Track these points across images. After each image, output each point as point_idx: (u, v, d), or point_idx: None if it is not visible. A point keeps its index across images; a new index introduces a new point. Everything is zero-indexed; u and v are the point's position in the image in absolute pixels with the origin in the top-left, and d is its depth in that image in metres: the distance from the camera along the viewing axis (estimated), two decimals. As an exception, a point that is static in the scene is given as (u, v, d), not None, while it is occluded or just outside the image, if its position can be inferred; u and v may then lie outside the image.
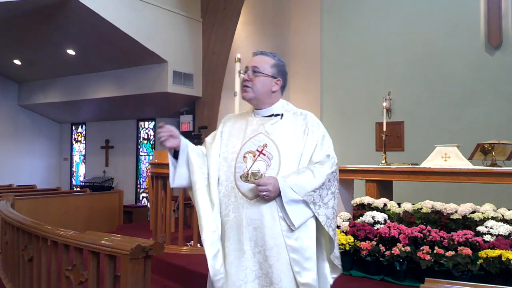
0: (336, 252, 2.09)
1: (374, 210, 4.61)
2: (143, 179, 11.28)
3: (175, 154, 2.12)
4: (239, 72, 2.17)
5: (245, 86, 2.07)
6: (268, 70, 2.08)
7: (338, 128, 8.83)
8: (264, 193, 1.88)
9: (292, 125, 2.06)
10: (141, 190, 11.26)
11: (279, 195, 1.90)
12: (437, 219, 4.44)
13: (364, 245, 3.96)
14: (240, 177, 1.98)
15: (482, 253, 3.50)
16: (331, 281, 2.12)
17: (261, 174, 1.95)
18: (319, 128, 2.06)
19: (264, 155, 1.98)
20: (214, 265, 1.95)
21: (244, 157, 2.00)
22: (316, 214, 1.95)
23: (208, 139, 2.20)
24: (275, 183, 1.89)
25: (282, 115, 2.09)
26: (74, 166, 13.00)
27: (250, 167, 1.97)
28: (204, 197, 2.02)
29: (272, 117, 2.09)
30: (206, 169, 2.08)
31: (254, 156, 1.98)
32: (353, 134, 8.61)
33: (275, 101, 2.12)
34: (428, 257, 3.60)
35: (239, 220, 1.95)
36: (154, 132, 11.02)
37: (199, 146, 2.17)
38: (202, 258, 2.10)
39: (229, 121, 2.19)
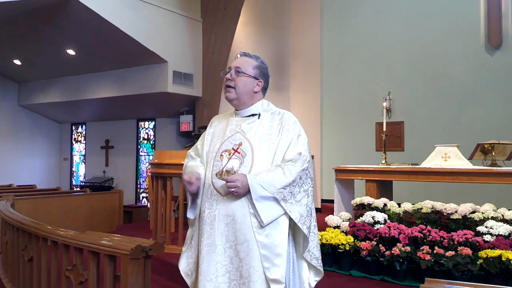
0: (315, 252, 2.11)
1: (374, 210, 4.61)
2: (143, 179, 11.28)
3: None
4: (222, 72, 2.21)
5: (228, 86, 2.14)
6: (251, 71, 2.14)
7: (338, 128, 8.83)
8: (233, 189, 1.94)
9: (268, 124, 2.12)
10: (141, 190, 11.26)
11: (249, 191, 1.95)
12: (437, 219, 4.45)
13: (364, 245, 3.96)
14: (216, 174, 2.05)
15: (482, 253, 3.50)
16: (312, 283, 2.15)
17: (235, 171, 2.01)
18: (295, 127, 2.11)
19: (239, 153, 2.05)
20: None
21: (221, 155, 2.07)
22: (288, 212, 1.99)
23: (198, 145, 2.27)
24: (243, 180, 1.94)
25: (259, 115, 2.15)
26: (74, 166, 13.00)
27: (225, 165, 2.04)
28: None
29: (250, 117, 2.16)
30: None
31: (229, 154, 2.06)
32: (353, 134, 8.61)
33: (256, 102, 2.19)
34: (428, 257, 3.60)
35: (212, 216, 2.02)
36: (154, 132, 11.02)
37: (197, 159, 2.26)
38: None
39: (215, 122, 2.28)
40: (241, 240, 1.97)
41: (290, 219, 2.01)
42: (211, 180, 2.06)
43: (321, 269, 2.14)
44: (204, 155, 2.18)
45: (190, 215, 2.17)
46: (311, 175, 2.09)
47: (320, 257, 2.14)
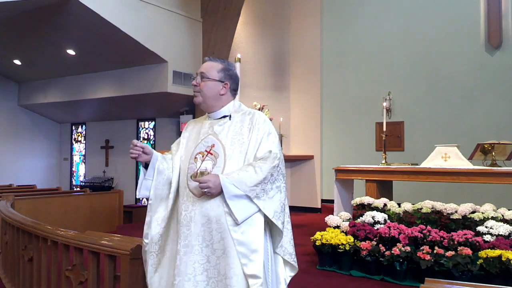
0: (289, 248, 2.16)
1: (374, 210, 4.61)
2: (143, 179, 11.26)
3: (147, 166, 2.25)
4: (191, 78, 2.29)
5: (195, 91, 2.22)
6: (215, 75, 2.19)
7: (338, 128, 8.83)
8: (205, 190, 1.98)
9: (239, 124, 2.17)
10: (141, 190, 11.24)
11: (221, 191, 1.99)
12: (437, 219, 4.45)
13: (364, 245, 3.96)
14: (191, 176, 2.10)
15: (482, 253, 3.50)
16: (287, 279, 2.20)
17: (208, 173, 2.06)
18: (265, 125, 2.15)
19: (212, 154, 2.10)
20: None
21: (195, 158, 2.12)
22: (261, 209, 2.03)
23: (173, 147, 2.32)
24: (215, 180, 1.98)
25: (230, 116, 2.20)
26: (74, 166, 13.00)
27: (199, 167, 2.09)
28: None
29: (221, 119, 2.21)
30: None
31: (203, 156, 2.11)
32: (353, 134, 8.61)
33: (225, 104, 2.23)
34: (428, 257, 3.60)
35: (188, 217, 2.06)
36: (154, 132, 11.02)
37: (167, 155, 2.30)
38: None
39: (190, 126, 2.33)
40: (217, 238, 2.01)
41: (265, 216, 2.05)
42: (186, 183, 2.11)
43: (295, 264, 2.19)
44: (177, 159, 2.22)
45: (144, 192, 2.21)
46: (283, 172, 2.13)
47: (294, 253, 2.18)
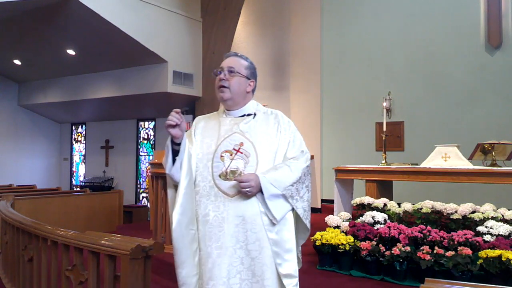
0: (299, 247, 2.20)
1: (374, 210, 4.61)
2: (143, 179, 11.28)
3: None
4: (213, 73, 2.19)
5: (222, 87, 2.12)
6: (243, 71, 2.15)
7: (338, 128, 8.83)
8: (247, 189, 1.95)
9: (264, 124, 2.15)
10: (141, 190, 11.26)
11: (260, 190, 1.98)
12: (437, 219, 4.45)
13: (364, 245, 3.96)
14: (219, 175, 2.03)
15: (482, 253, 3.50)
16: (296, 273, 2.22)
17: (240, 172, 2.01)
18: (290, 126, 2.16)
19: (241, 153, 2.05)
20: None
21: (221, 156, 2.05)
22: (294, 207, 2.05)
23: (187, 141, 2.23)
24: (256, 179, 1.96)
25: (254, 114, 2.17)
26: (74, 166, 13.00)
27: (229, 166, 2.03)
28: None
29: (244, 117, 2.16)
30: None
31: (231, 155, 2.05)
32: (353, 134, 8.61)
33: (247, 102, 2.20)
34: (428, 257, 3.60)
35: (220, 218, 2.00)
36: (154, 132, 11.03)
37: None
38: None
39: (200, 123, 2.24)
40: (252, 239, 1.98)
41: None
42: (213, 182, 2.04)
43: (300, 258, 2.21)
44: (192, 154, 2.12)
45: (168, 167, 2.07)
46: (310, 171, 2.15)
47: (300, 250, 2.22)
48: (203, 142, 2.15)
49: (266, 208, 1.99)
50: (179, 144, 2.07)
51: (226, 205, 2.01)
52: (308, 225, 2.11)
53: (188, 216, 2.03)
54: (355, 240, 4.10)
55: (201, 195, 2.06)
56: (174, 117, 2.03)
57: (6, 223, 4.57)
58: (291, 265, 2.00)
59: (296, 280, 2.00)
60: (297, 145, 2.13)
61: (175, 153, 2.07)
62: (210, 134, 2.15)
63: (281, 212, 2.01)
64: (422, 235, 3.96)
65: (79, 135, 12.91)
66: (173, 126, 2.03)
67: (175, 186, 2.12)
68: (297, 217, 2.10)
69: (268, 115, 2.18)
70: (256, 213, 1.99)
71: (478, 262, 3.51)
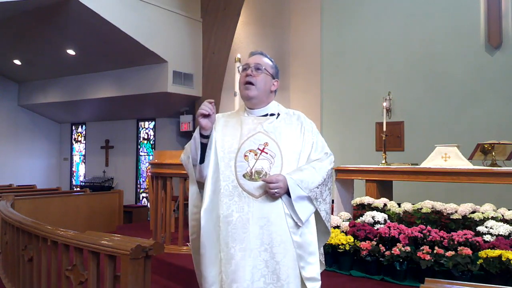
0: (321, 248, 2.17)
1: (374, 210, 4.61)
2: (143, 179, 11.28)
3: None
4: (238, 69, 2.14)
5: (248, 83, 2.05)
6: (270, 70, 2.12)
7: (338, 128, 8.82)
8: (276, 190, 1.90)
9: (288, 124, 2.11)
10: (141, 190, 11.26)
11: (286, 192, 1.94)
12: (437, 219, 4.44)
13: (364, 245, 3.96)
14: (243, 175, 1.97)
15: (482, 253, 3.50)
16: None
17: (265, 172, 1.96)
18: (313, 127, 2.17)
19: (266, 153, 1.99)
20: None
21: (245, 156, 1.99)
22: (318, 210, 2.02)
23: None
24: (284, 180, 1.91)
25: (278, 114, 2.12)
26: (74, 166, 13.00)
27: (253, 166, 1.97)
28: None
29: (267, 117, 2.11)
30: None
31: (255, 155, 1.99)
32: (353, 134, 8.60)
33: (270, 101, 2.15)
34: (428, 257, 3.60)
35: (244, 219, 1.94)
36: (154, 132, 11.02)
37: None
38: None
39: (220, 121, 2.15)
40: (277, 241, 1.93)
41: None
42: (237, 182, 1.98)
43: (324, 262, 2.19)
44: (212, 153, 2.03)
45: (203, 168, 1.98)
46: (331, 173, 2.14)
47: (323, 252, 2.21)
48: (224, 140, 2.07)
49: (292, 210, 1.94)
50: (206, 137, 2.01)
51: (250, 206, 1.95)
52: (329, 228, 2.08)
53: (216, 214, 1.97)
54: (355, 240, 4.10)
55: (223, 195, 1.99)
56: (207, 106, 1.96)
57: (6, 223, 4.57)
58: (314, 268, 1.97)
59: (319, 284, 1.96)
60: (320, 146, 2.12)
61: (203, 147, 2.01)
62: (231, 133, 2.08)
63: (306, 214, 1.97)
64: (422, 235, 3.96)
65: (79, 135, 12.91)
66: (205, 116, 1.96)
67: (198, 182, 2.05)
68: (316, 220, 2.07)
69: (290, 116, 2.15)
70: (281, 215, 1.95)
71: (478, 262, 3.51)
